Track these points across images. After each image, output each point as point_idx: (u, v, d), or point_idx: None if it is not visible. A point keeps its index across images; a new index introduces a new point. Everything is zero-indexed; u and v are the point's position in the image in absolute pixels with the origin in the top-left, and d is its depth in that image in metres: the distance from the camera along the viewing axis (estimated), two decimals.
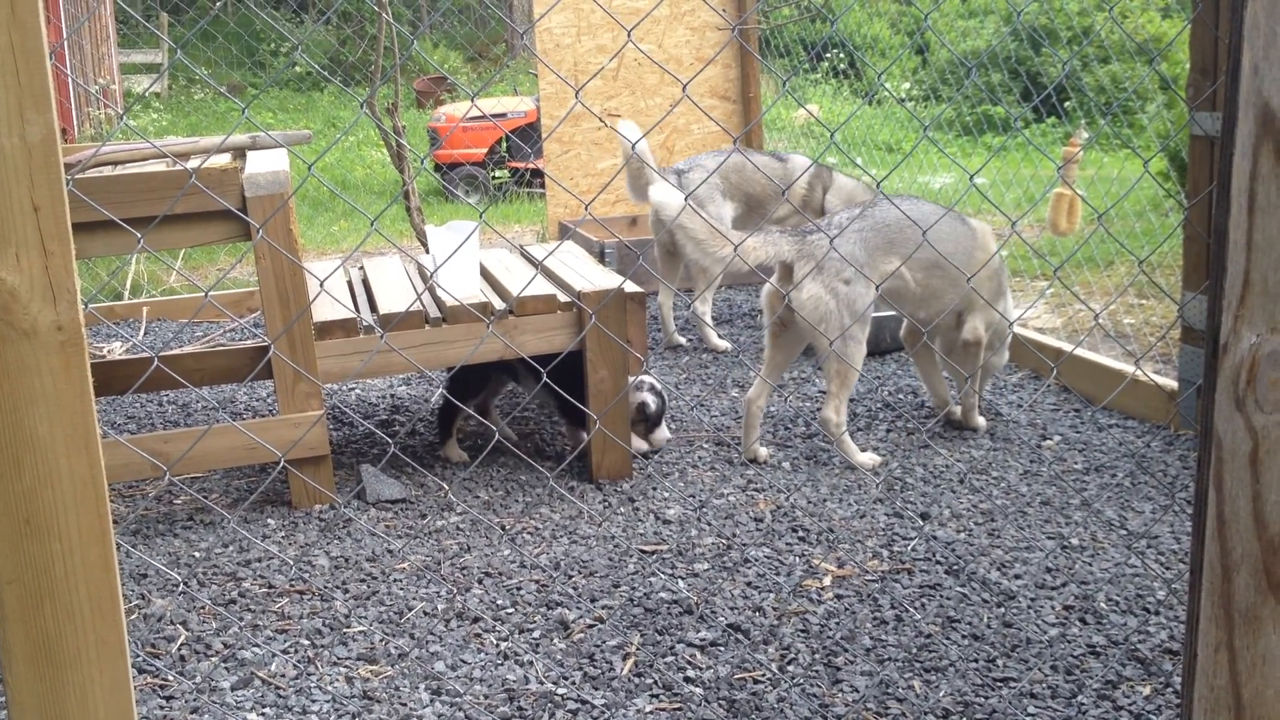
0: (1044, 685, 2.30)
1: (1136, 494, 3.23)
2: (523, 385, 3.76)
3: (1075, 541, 2.94)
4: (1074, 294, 2.67)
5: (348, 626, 2.59)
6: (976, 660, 2.40)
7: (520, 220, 8.37)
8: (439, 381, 4.02)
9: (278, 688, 2.35)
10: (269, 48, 15.38)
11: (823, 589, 2.72)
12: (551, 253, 2.72)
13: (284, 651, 2.48)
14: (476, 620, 2.60)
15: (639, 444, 3.59)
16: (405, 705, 2.27)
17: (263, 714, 2.26)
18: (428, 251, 3.80)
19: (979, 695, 2.27)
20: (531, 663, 2.42)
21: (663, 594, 2.69)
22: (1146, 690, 2.28)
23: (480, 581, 2.79)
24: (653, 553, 2.93)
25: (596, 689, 2.32)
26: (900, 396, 4.14)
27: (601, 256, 5.45)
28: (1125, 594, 2.66)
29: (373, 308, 3.47)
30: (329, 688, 2.34)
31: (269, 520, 3.18)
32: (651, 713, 2.25)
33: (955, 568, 2.81)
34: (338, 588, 2.77)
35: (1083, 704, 2.24)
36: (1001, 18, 11.46)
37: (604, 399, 3.33)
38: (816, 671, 2.37)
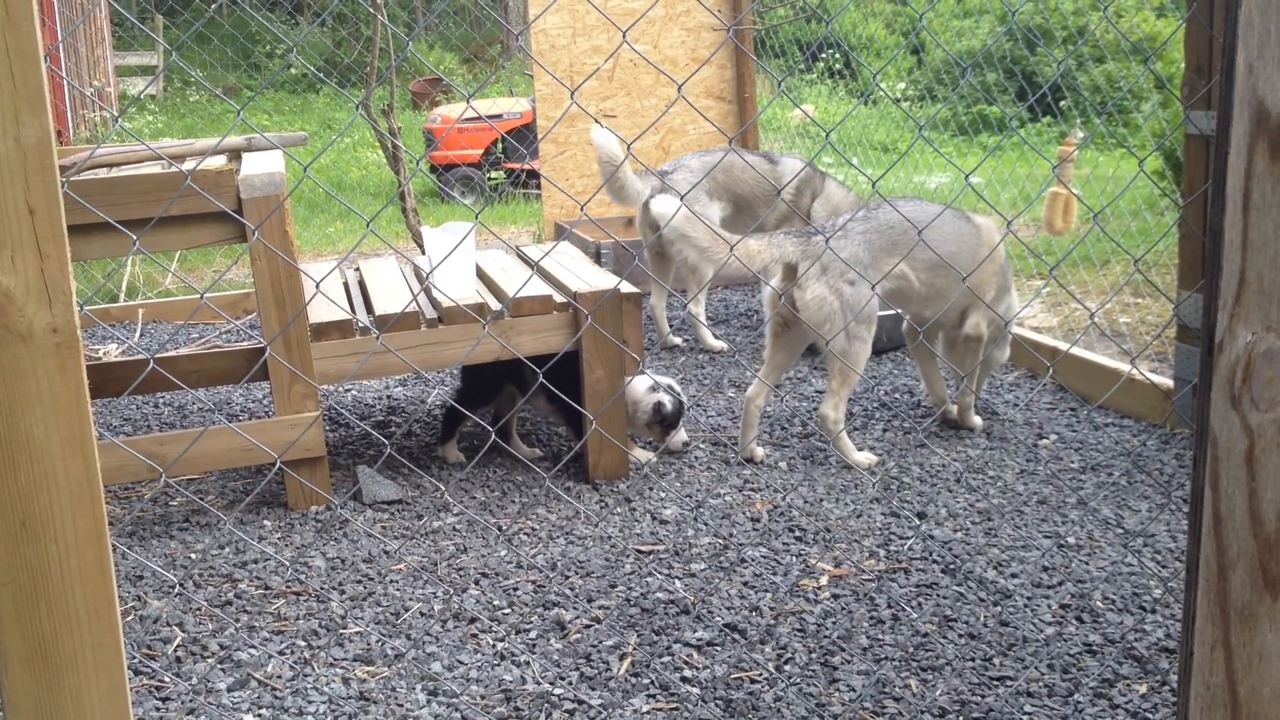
0: (1041, 684, 2.30)
1: (1133, 492, 3.24)
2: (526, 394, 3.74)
3: (1072, 540, 2.94)
4: (1070, 293, 2.67)
5: (344, 627, 2.59)
6: (973, 659, 2.40)
7: (516, 221, 8.37)
8: (435, 382, 4.02)
9: (274, 689, 2.34)
10: (264, 50, 15.37)
11: (819, 588, 2.72)
12: (547, 253, 2.71)
13: (280, 652, 2.48)
14: (473, 621, 2.60)
15: (639, 454, 3.56)
16: (402, 706, 2.27)
17: (259, 715, 2.26)
18: (424, 253, 3.80)
19: (976, 694, 2.28)
20: (528, 663, 2.42)
21: (659, 594, 2.69)
22: (1143, 688, 2.28)
23: (477, 582, 2.79)
24: (649, 553, 2.93)
25: (593, 689, 2.32)
26: (897, 396, 4.14)
27: (598, 257, 5.45)
28: (1122, 592, 2.66)
29: (369, 309, 3.47)
30: (325, 689, 2.34)
31: (265, 522, 3.18)
32: (648, 713, 2.24)
33: (952, 567, 2.81)
34: (334, 589, 2.77)
35: (1079, 702, 2.24)
36: (996, 17, 11.47)
37: (600, 399, 3.33)
38: (813, 671, 2.37)
